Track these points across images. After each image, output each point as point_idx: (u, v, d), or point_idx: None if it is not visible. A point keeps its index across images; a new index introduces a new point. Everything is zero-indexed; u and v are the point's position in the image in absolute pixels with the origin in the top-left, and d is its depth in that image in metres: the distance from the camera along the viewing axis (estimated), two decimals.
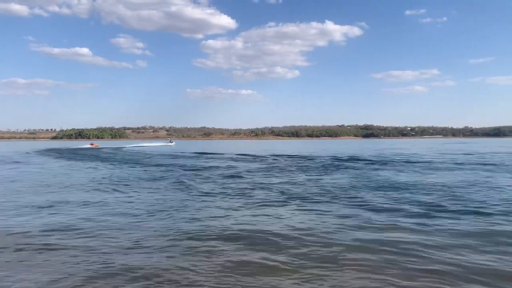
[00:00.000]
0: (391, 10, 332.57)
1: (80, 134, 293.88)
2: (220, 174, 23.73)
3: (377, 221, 10.47)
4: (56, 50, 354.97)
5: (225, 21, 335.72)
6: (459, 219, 10.51)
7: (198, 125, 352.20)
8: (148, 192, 16.56)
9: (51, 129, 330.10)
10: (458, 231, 9.24)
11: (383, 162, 32.23)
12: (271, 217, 11.30)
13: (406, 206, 12.43)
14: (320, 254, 7.80)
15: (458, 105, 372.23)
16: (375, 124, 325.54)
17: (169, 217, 11.33)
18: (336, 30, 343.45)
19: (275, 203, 13.46)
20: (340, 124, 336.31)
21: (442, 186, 17.05)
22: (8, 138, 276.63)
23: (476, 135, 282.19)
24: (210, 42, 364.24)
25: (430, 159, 35.43)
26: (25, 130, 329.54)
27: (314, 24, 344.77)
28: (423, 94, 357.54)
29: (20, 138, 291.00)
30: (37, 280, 6.71)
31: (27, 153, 60.78)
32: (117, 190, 17.15)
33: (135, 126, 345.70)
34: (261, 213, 11.82)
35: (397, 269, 6.93)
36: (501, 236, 8.84)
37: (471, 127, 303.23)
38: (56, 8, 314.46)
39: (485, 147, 69.44)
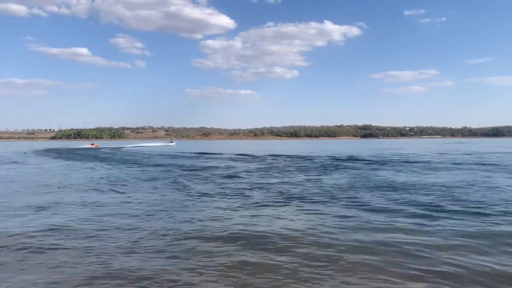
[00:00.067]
0: (390, 10, 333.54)
1: (79, 134, 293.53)
2: (219, 174, 23.71)
3: (376, 221, 10.46)
4: (54, 50, 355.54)
5: (224, 21, 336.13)
6: (458, 220, 10.50)
7: (197, 125, 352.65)
8: (147, 193, 16.53)
9: (50, 129, 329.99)
10: (458, 232, 9.23)
11: (382, 162, 32.24)
12: (270, 217, 11.28)
13: (405, 207, 12.43)
14: (319, 254, 7.79)
15: (457, 105, 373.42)
16: (373, 124, 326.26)
17: (168, 218, 11.31)
18: (335, 30, 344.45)
19: (274, 204, 13.45)
20: (339, 124, 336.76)
21: (441, 186, 17.06)
22: (6, 138, 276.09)
23: (474, 135, 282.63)
24: (209, 42, 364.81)
25: (429, 159, 35.46)
26: (23, 130, 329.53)
27: (313, 24, 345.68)
28: (422, 94, 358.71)
29: (19, 138, 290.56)
30: (37, 281, 6.68)
31: (25, 153, 60.67)
32: (115, 191, 17.12)
33: (134, 126, 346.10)
34: (260, 214, 11.80)
35: (396, 270, 6.91)
36: (500, 236, 8.84)
37: (469, 127, 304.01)
38: (55, 8, 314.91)
39: (484, 147, 69.55)
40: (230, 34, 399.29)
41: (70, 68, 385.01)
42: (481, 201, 13.15)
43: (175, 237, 9.16)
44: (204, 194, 15.75)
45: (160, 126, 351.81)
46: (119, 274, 6.86)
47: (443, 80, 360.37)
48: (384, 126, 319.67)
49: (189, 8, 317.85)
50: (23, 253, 8.13)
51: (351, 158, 38.28)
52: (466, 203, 12.88)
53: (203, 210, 12.48)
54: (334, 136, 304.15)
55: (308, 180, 20.45)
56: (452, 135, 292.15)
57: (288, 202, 13.68)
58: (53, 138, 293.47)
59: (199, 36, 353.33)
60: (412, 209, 11.96)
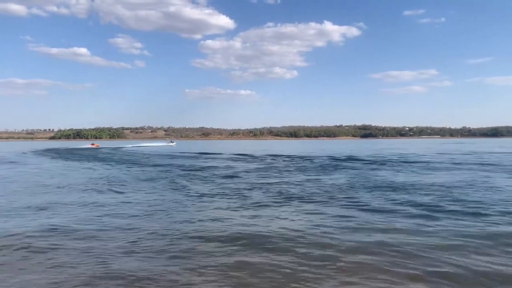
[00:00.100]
0: (389, 11, 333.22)
1: (78, 134, 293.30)
2: (219, 175, 23.70)
3: (375, 221, 10.46)
4: (54, 50, 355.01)
5: (224, 21, 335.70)
6: (458, 220, 10.51)
7: (197, 125, 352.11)
8: (146, 193, 16.51)
9: (49, 129, 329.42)
10: (457, 232, 9.23)
11: (381, 162, 32.25)
12: (269, 217, 11.28)
13: (404, 207, 12.43)
14: (319, 255, 7.78)
15: (456, 105, 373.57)
16: (373, 124, 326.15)
17: (167, 218, 11.30)
18: (334, 31, 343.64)
19: (274, 204, 13.44)
20: (338, 124, 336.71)
21: (440, 186, 17.07)
22: (6, 138, 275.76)
23: (474, 135, 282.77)
24: (209, 42, 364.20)
25: (428, 159, 35.48)
26: (23, 130, 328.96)
27: (312, 24, 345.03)
28: (421, 94, 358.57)
29: (18, 138, 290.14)
30: (36, 281, 6.67)
31: (23, 153, 60.60)
32: (114, 191, 17.10)
33: (133, 126, 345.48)
34: (259, 214, 11.79)
35: (396, 270, 6.91)
36: (500, 236, 8.84)
37: (469, 127, 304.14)
38: (54, 8, 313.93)
39: (483, 147, 69.62)
40: (229, 34, 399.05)
41: (69, 68, 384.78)
42: (480, 201, 13.15)
43: (175, 237, 9.15)
44: (204, 194, 15.74)
45: (159, 126, 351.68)
46: (118, 275, 6.85)
47: (443, 80, 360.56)
48: (383, 126, 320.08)
49: (188, 8, 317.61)
50: (22, 253, 8.11)
51: (351, 158, 38.29)
52: (465, 203, 12.89)
53: (203, 210, 12.47)
54: (334, 136, 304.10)
55: (308, 180, 20.45)
56: (451, 135, 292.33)
57: (288, 202, 13.68)
58: (52, 138, 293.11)
59: (198, 36, 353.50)
60: (412, 209, 11.96)
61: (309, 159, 38.60)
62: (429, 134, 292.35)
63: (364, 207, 12.49)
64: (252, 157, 43.42)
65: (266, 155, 47.73)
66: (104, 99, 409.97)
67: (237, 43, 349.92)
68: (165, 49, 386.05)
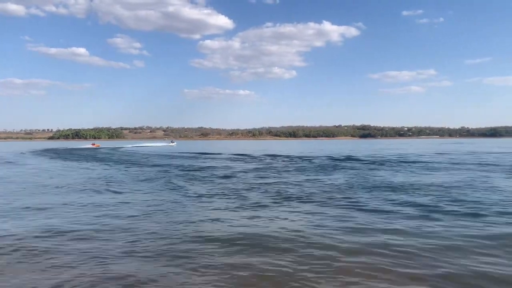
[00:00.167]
0: (388, 11, 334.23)
1: (77, 134, 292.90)
2: (218, 175, 23.67)
3: (375, 222, 10.46)
4: (53, 50, 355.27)
5: (223, 21, 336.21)
6: (457, 220, 10.51)
7: (196, 125, 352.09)
8: (144, 194, 16.49)
9: (48, 129, 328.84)
10: (456, 233, 9.23)
11: (380, 163, 32.27)
12: (268, 218, 11.26)
13: (403, 207, 12.43)
14: (318, 255, 7.77)
15: (455, 105, 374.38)
16: (372, 125, 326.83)
17: (166, 219, 11.27)
18: (333, 31, 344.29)
19: (273, 204, 13.43)
20: (337, 125, 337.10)
21: (439, 186, 17.08)
22: (4, 139, 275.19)
23: (472, 136, 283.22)
24: (208, 42, 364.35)
25: (427, 160, 35.52)
26: (21, 130, 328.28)
27: (311, 24, 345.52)
28: (420, 95, 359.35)
29: (17, 138, 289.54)
30: (35, 282, 6.64)
31: (21, 153, 60.47)
32: (112, 192, 17.07)
33: (132, 126, 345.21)
34: (259, 214, 11.78)
35: (396, 271, 6.90)
36: (499, 237, 8.84)
37: (467, 128, 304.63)
38: (53, 8, 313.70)
39: (482, 147, 69.73)
40: (228, 34, 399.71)
41: (68, 68, 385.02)
42: (479, 202, 13.16)
43: (174, 237, 9.13)
44: (203, 195, 15.72)
45: (158, 126, 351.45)
46: (118, 275, 6.83)
47: (441, 81, 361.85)
48: (382, 126, 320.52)
49: (187, 8, 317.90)
50: (21, 253, 8.08)
51: (349, 158, 38.31)
52: (464, 203, 12.89)
53: (202, 211, 12.46)
54: (333, 136, 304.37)
55: (307, 180, 20.45)
56: (450, 135, 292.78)
57: (287, 203, 13.67)
58: (51, 138, 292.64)
59: (197, 36, 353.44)
60: (411, 210, 11.97)
61: (308, 159, 38.61)
62: (428, 134, 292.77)
63: (363, 207, 12.49)
64: (251, 157, 43.41)
65: (265, 155, 47.72)
66: (103, 99, 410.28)
67: (235, 43, 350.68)
68: (164, 49, 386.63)
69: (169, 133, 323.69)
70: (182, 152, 59.14)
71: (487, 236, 8.86)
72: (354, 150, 62.22)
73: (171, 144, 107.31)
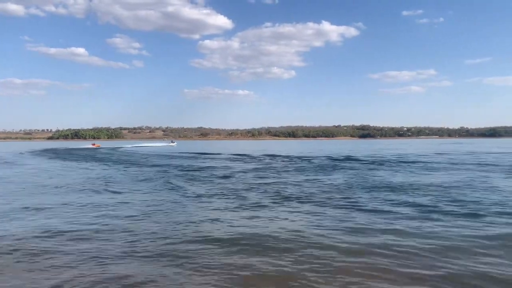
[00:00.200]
0: (388, 11, 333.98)
1: (76, 135, 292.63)
2: (217, 175, 23.67)
3: (374, 222, 10.46)
4: (52, 50, 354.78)
5: (222, 21, 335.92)
6: (456, 221, 10.52)
7: (195, 126, 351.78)
8: (143, 194, 16.48)
9: (47, 130, 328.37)
10: (455, 233, 9.24)
11: (379, 163, 32.28)
12: (268, 218, 11.26)
13: (403, 208, 12.44)
14: (318, 255, 7.77)
15: (455, 105, 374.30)
16: (371, 125, 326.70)
17: (166, 219, 11.27)
18: (332, 31, 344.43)
19: (272, 204, 13.43)
20: (336, 125, 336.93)
21: (438, 186, 17.09)
22: (3, 139, 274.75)
23: (472, 136, 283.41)
24: (207, 42, 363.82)
25: (427, 160, 35.54)
26: (21, 130, 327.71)
27: (310, 24, 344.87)
28: (420, 95, 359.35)
29: (16, 138, 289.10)
30: (34, 283, 6.63)
31: (20, 153, 60.38)
32: (112, 192, 17.06)
33: (131, 126, 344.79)
34: (258, 215, 11.78)
35: (395, 271, 6.91)
36: (498, 238, 8.85)
37: (467, 128, 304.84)
38: (53, 8, 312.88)
39: (481, 147, 69.79)
40: (227, 34, 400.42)
41: (67, 68, 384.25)
42: (478, 202, 13.17)
43: (174, 238, 9.13)
44: (202, 195, 15.72)
45: (157, 126, 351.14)
46: (118, 276, 6.82)
47: (441, 81, 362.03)
48: (381, 126, 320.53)
49: (187, 8, 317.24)
50: (20, 254, 8.07)
51: (349, 158, 38.32)
52: (464, 203, 12.90)
53: (202, 211, 12.45)
54: (332, 137, 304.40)
55: (306, 180, 20.45)
56: (449, 136, 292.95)
57: (286, 203, 13.67)
58: (50, 138, 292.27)
59: (196, 36, 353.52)
60: (410, 210, 11.97)
61: (307, 159, 38.61)
62: (427, 134, 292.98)
63: (363, 208, 12.49)
64: (251, 157, 43.41)
65: (264, 155, 47.72)
66: (102, 99, 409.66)
67: (235, 43, 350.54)
68: (164, 49, 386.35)
69: (169, 133, 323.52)
70: (182, 152, 59.11)
71: (486, 236, 8.87)
72: (353, 150, 62.23)
73: (172, 144, 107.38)
